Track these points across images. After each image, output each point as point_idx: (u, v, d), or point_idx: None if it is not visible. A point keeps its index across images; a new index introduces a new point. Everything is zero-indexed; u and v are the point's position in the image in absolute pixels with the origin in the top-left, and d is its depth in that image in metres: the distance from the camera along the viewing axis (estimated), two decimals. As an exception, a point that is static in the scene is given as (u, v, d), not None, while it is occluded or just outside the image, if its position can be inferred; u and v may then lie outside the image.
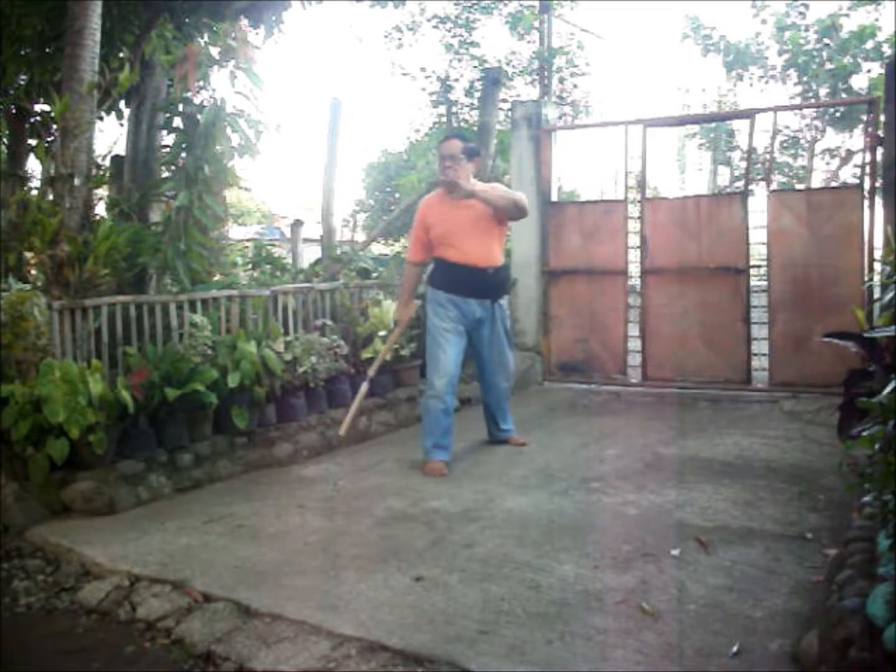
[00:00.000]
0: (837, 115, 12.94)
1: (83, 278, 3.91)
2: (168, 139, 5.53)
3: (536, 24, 12.62)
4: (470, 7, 12.78)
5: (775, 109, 6.15)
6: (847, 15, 12.55)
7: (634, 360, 6.20)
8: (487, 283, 4.21)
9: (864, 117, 6.65)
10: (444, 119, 12.84)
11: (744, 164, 9.78)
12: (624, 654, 2.11)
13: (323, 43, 43.54)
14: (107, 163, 5.70)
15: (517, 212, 4.20)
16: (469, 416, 5.12)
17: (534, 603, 2.43)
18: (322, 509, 3.44)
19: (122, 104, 5.77)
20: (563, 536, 3.00)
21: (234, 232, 14.53)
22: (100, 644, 2.44)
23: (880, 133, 5.32)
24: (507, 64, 12.73)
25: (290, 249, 10.53)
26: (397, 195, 14.02)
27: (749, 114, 6.20)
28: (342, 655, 2.17)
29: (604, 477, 3.80)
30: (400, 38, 13.20)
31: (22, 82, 6.21)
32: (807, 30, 12.92)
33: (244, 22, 5.84)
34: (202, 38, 6.22)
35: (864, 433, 2.17)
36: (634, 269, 6.29)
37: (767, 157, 7.71)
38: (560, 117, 10.91)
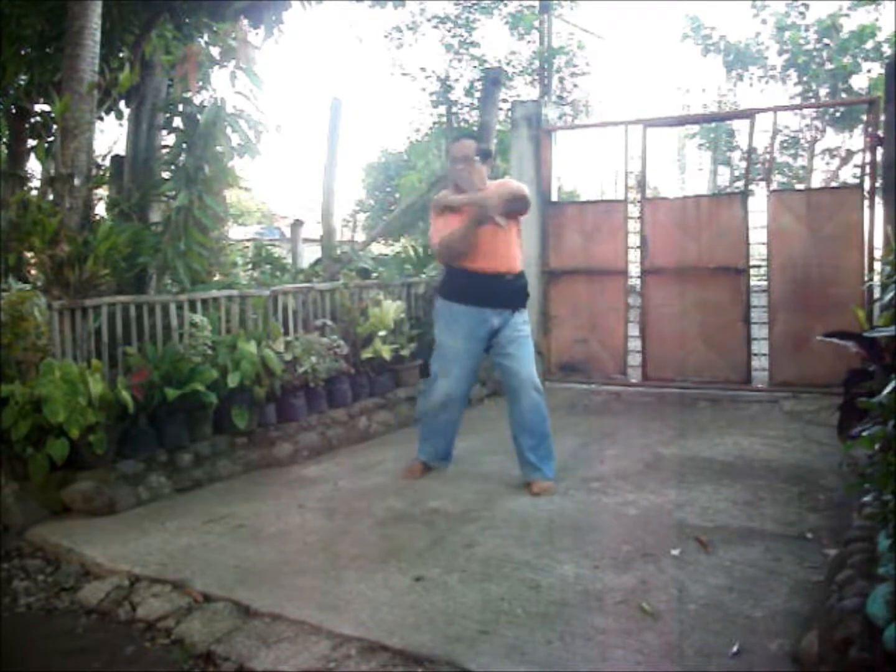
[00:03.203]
0: (837, 115, 12.94)
1: (83, 278, 3.91)
2: (168, 139, 5.52)
3: (536, 24, 12.61)
4: (470, 7, 12.77)
5: (775, 109, 6.16)
6: (847, 15, 12.55)
7: (634, 360, 6.20)
8: (506, 291, 3.76)
9: (864, 117, 6.65)
10: (444, 119, 12.84)
11: (744, 164, 9.77)
12: (624, 654, 2.11)
13: (323, 43, 43.54)
14: (107, 163, 5.68)
15: (522, 204, 3.72)
16: (469, 415, 5.10)
17: (534, 603, 2.43)
18: (322, 509, 3.44)
19: (122, 104, 5.76)
20: (563, 536, 3.00)
21: (234, 232, 14.50)
22: (100, 644, 2.44)
23: (880, 133, 5.32)
24: (507, 64, 12.72)
25: (290, 249, 10.52)
26: (397, 195, 14.01)
27: (749, 114, 6.20)
28: (342, 655, 2.17)
29: (604, 477, 3.80)
30: (400, 38, 13.19)
31: (22, 82, 6.21)
32: (807, 30, 12.92)
33: (244, 22, 5.83)
34: (202, 38, 6.22)
35: (864, 433, 2.17)
36: (634, 269, 6.29)
37: (767, 157, 7.70)
38: (560, 117, 10.87)
